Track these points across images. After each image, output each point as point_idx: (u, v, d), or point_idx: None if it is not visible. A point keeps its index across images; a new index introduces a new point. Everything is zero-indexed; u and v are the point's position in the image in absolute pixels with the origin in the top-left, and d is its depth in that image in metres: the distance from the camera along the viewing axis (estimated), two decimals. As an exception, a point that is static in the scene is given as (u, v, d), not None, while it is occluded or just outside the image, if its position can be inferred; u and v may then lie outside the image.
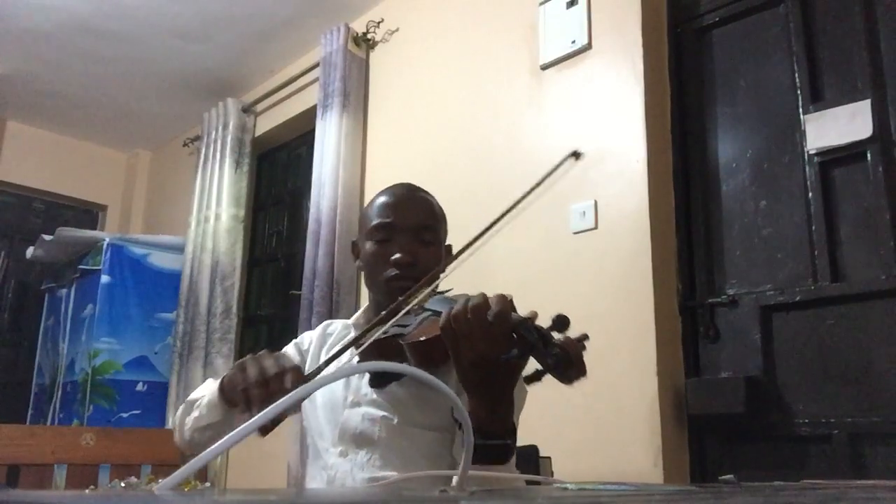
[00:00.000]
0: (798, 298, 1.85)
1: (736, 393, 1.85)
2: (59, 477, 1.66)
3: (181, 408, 1.27)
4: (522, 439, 1.60)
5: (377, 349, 1.10)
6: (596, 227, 2.11)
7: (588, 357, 0.87)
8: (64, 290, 3.93)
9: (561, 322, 0.89)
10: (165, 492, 0.57)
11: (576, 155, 1.14)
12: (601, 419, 1.96)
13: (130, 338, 3.62)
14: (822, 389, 1.79)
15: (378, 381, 1.20)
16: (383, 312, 1.12)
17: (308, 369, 1.34)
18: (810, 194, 1.88)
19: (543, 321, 0.91)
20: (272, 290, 3.79)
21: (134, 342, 3.63)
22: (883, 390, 1.70)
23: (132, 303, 3.66)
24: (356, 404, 1.23)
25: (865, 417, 1.71)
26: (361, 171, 3.06)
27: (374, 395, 1.21)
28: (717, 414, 1.89)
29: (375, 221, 1.27)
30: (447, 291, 1.16)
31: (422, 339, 1.04)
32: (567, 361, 0.86)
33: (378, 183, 3.02)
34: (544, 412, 2.06)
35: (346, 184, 2.98)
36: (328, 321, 1.47)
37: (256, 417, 0.64)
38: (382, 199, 1.30)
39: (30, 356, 4.17)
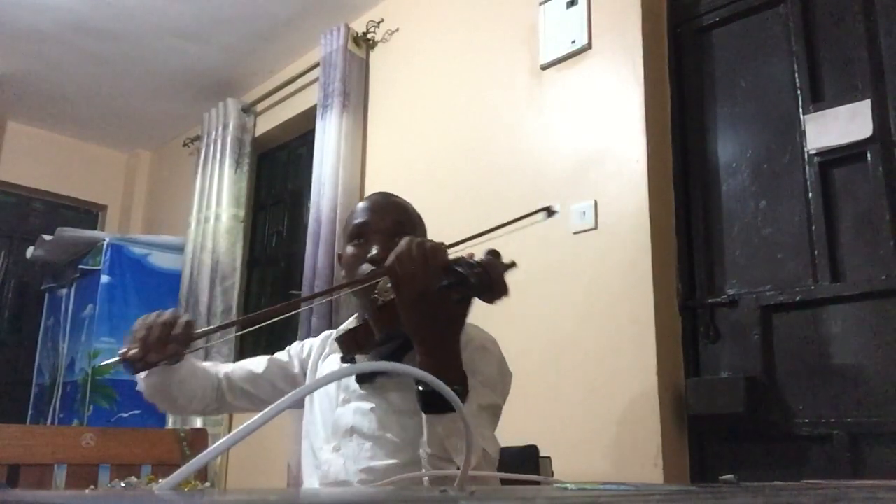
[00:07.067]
0: (798, 298, 1.85)
1: (736, 393, 1.85)
2: (59, 477, 1.65)
3: None
4: (522, 439, 1.61)
5: (352, 339, 1.18)
6: (596, 227, 2.11)
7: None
8: (64, 290, 3.93)
9: (492, 252, 1.02)
10: (165, 492, 0.57)
11: (549, 211, 1.27)
12: (601, 419, 1.96)
13: (130, 338, 3.62)
14: (822, 389, 1.79)
15: (365, 375, 1.27)
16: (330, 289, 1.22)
17: (307, 376, 1.45)
18: (810, 194, 1.88)
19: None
20: (272, 290, 3.79)
21: (134, 342, 3.62)
22: (883, 390, 1.70)
23: (132, 303, 3.66)
24: (347, 401, 1.30)
25: (865, 417, 1.71)
26: (361, 171, 3.06)
27: (363, 390, 1.29)
28: (717, 414, 1.89)
29: (353, 223, 1.36)
30: None
31: (380, 302, 1.13)
32: (486, 280, 0.98)
33: (378, 183, 3.03)
34: (544, 412, 2.06)
35: (346, 184, 2.98)
36: (328, 331, 1.54)
37: (258, 416, 0.63)
38: (360, 205, 1.40)
39: (30, 356, 4.16)
